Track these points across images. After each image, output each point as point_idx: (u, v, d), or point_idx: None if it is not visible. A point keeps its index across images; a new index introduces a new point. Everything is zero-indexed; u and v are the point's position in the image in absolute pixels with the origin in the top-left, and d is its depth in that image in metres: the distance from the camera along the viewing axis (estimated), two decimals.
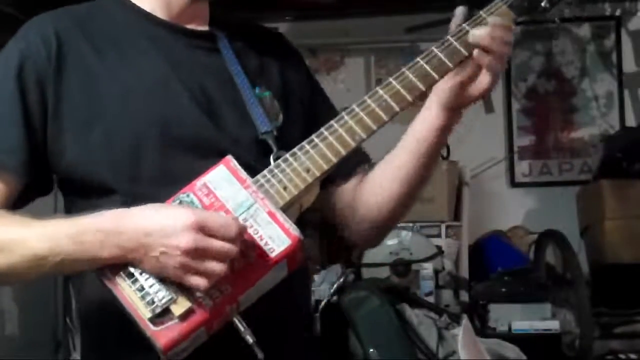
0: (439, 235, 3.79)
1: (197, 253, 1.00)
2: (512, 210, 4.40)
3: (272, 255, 1.05)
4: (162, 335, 1.01)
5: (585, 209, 4.11)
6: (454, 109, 1.21)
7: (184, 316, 1.02)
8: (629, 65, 4.44)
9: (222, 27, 1.28)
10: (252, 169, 1.12)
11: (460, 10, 1.21)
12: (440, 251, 3.63)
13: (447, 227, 3.81)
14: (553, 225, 3.99)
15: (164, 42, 1.22)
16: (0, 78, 1.18)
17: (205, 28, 1.28)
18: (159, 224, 1.02)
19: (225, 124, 1.20)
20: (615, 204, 3.86)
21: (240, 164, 1.11)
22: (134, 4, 1.25)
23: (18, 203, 1.17)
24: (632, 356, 3.71)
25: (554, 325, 3.49)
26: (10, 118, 1.15)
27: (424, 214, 3.72)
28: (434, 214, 3.77)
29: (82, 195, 1.18)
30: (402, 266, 3.49)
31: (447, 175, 3.82)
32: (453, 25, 1.20)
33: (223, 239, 1.00)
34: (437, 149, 1.24)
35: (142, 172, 1.15)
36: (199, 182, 1.09)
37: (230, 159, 1.11)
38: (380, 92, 1.14)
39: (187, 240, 0.99)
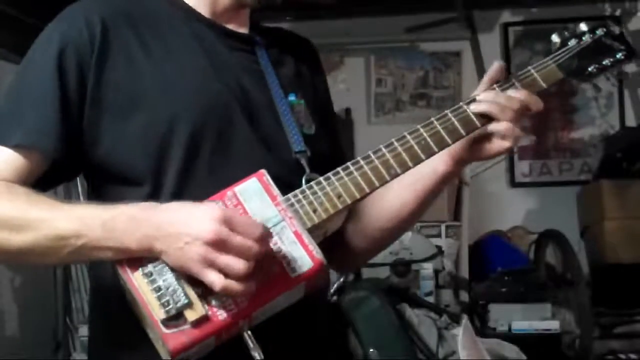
0: (439, 235, 3.79)
1: (218, 245, 0.99)
2: (512, 210, 4.41)
3: (293, 275, 1.04)
4: (173, 339, 1.00)
5: (585, 209, 4.11)
6: (462, 162, 1.22)
7: (197, 323, 1.01)
8: (629, 65, 4.41)
9: (260, 33, 1.29)
10: (280, 179, 1.11)
11: (496, 66, 1.21)
12: (440, 251, 3.64)
13: (447, 227, 3.81)
14: (553, 225, 4.00)
15: (206, 39, 1.22)
16: (40, 58, 1.16)
17: (245, 31, 1.28)
18: (187, 215, 1.01)
19: (262, 127, 1.20)
20: (615, 204, 3.86)
21: (269, 169, 1.11)
22: None
23: (43, 186, 1.15)
24: (632, 356, 3.71)
25: (554, 325, 3.50)
26: (47, 99, 1.13)
27: (424, 214, 3.71)
28: (434, 214, 3.77)
29: (111, 183, 1.17)
30: (402, 266, 3.49)
31: None
32: (486, 78, 1.21)
33: (246, 237, 1.00)
34: (431, 196, 1.26)
35: (171, 165, 1.14)
36: (229, 192, 1.08)
37: (264, 173, 1.10)
38: (421, 130, 1.16)
39: (209, 230, 0.99)
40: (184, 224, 1.01)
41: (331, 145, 1.31)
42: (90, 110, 1.15)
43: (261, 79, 1.23)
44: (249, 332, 1.04)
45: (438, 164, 1.22)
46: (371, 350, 2.68)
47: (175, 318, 1.01)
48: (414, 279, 3.50)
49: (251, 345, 1.03)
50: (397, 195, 1.26)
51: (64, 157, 1.14)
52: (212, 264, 0.99)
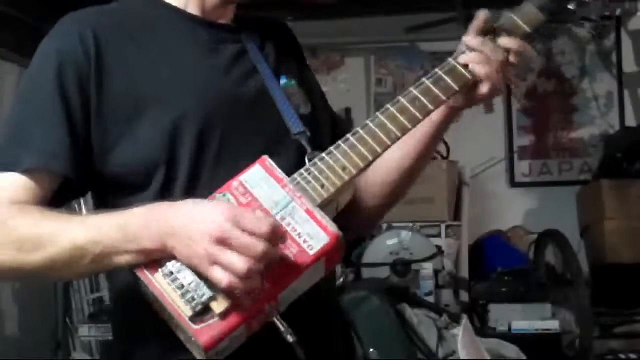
0: (439, 235, 3.79)
1: (222, 243, 0.98)
2: (512, 210, 4.41)
3: (311, 252, 1.04)
4: (204, 334, 1.00)
5: (585, 209, 4.11)
6: (455, 109, 1.24)
7: (225, 314, 1.01)
8: (629, 65, 4.44)
9: (242, 22, 1.31)
10: (285, 162, 1.13)
11: (482, 14, 1.23)
12: (440, 251, 3.64)
13: (447, 227, 3.81)
14: (553, 225, 4.00)
15: (198, 36, 1.24)
16: (39, 80, 1.16)
17: (231, 23, 1.30)
18: (196, 213, 1.02)
19: (261, 115, 1.21)
20: (615, 204, 3.86)
21: (273, 155, 1.12)
22: (162, 1, 1.26)
23: (54, 205, 1.14)
24: (632, 356, 3.71)
25: (554, 325, 3.50)
26: (53, 119, 1.13)
27: (424, 214, 3.73)
28: (434, 214, 3.78)
29: (122, 191, 1.17)
30: (402, 266, 3.49)
31: (447, 175, 3.82)
32: (472, 29, 1.22)
33: (252, 234, 0.99)
34: (432, 143, 1.27)
35: (181, 165, 1.15)
36: (235, 182, 1.09)
37: (266, 158, 1.11)
38: (415, 92, 1.17)
39: (215, 227, 0.99)
40: (192, 221, 1.01)
41: (329, 120, 1.33)
42: (97, 124, 1.15)
43: (253, 67, 1.25)
44: (279, 317, 1.04)
45: (433, 115, 1.23)
46: (371, 350, 2.68)
47: (202, 313, 1.01)
48: (414, 279, 3.50)
49: (283, 329, 1.03)
50: (397, 147, 1.26)
51: (75, 175, 1.14)
52: (216, 262, 0.99)
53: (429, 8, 4.43)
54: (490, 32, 1.21)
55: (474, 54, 1.19)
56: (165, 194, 1.13)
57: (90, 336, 3.81)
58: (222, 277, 0.99)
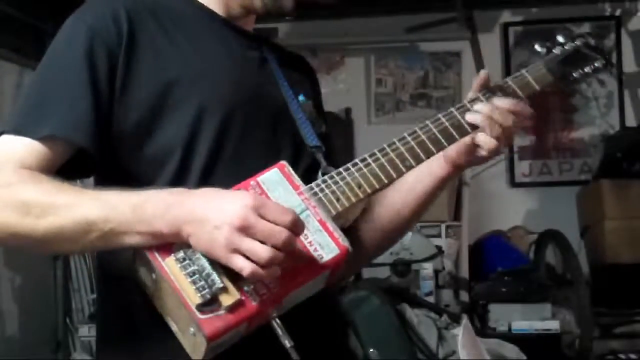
0: (439, 235, 3.79)
1: (245, 230, 0.99)
2: (512, 210, 4.41)
3: (321, 261, 1.06)
4: (209, 324, 0.99)
5: (585, 209, 4.11)
6: (458, 166, 1.28)
7: (232, 308, 1.00)
8: (629, 65, 4.44)
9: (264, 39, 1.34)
10: (297, 171, 1.14)
11: (483, 73, 1.27)
12: (440, 251, 3.64)
13: (447, 227, 3.82)
14: (553, 225, 4.00)
15: (224, 36, 1.26)
16: (68, 51, 1.16)
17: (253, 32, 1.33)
18: (218, 201, 1.02)
19: (278, 121, 1.23)
20: (615, 204, 3.86)
21: (287, 161, 1.13)
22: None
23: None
24: (632, 356, 3.72)
25: (554, 325, 3.50)
26: (79, 91, 1.13)
27: (424, 216, 3.72)
28: (434, 214, 3.77)
29: (136, 173, 1.16)
30: (402, 266, 3.49)
31: None
32: (475, 87, 1.26)
33: (275, 223, 1.00)
34: (431, 194, 1.31)
35: (199, 155, 1.15)
36: (252, 181, 1.10)
37: (285, 164, 1.12)
38: (430, 125, 1.21)
39: (238, 215, 0.99)
40: (214, 209, 1.01)
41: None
42: (119, 103, 1.14)
43: (272, 77, 1.27)
44: (278, 320, 1.04)
45: (436, 169, 1.28)
46: (371, 350, 2.69)
47: (210, 303, 1.00)
48: (414, 279, 3.50)
49: (280, 333, 1.04)
50: (399, 196, 1.31)
51: (93, 149, 1.13)
52: (237, 249, 0.99)
53: (429, 8, 4.43)
54: (499, 85, 1.26)
55: (484, 119, 1.22)
56: (181, 180, 1.13)
57: (90, 336, 3.81)
58: (243, 265, 0.99)
